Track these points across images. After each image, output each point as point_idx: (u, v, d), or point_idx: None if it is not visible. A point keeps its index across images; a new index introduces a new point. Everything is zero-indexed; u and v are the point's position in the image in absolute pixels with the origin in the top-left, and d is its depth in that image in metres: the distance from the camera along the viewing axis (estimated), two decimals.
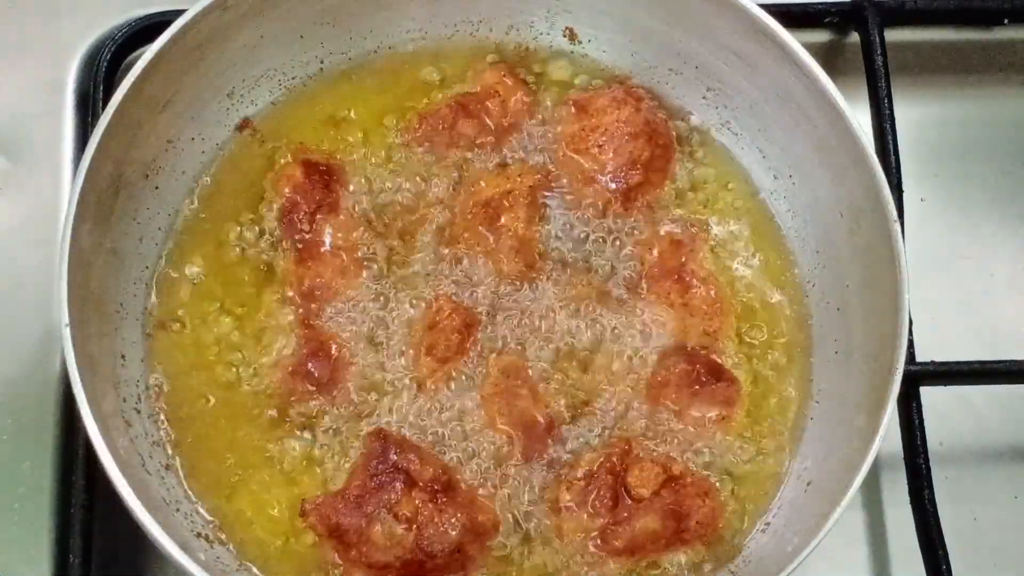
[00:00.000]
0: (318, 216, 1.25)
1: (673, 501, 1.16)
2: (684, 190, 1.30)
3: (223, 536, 1.16)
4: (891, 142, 1.36)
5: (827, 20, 1.44)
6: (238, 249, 1.25)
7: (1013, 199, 1.48)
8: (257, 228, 1.26)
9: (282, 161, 1.28)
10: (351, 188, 1.27)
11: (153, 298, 1.23)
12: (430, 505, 1.13)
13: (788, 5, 1.39)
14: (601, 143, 1.28)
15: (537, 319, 1.24)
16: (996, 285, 1.45)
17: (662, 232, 1.28)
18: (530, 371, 1.22)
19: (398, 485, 1.14)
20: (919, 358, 1.29)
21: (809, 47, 1.21)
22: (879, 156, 1.22)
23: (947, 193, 1.48)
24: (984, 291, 1.44)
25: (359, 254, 1.25)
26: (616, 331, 1.24)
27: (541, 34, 1.34)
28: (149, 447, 1.17)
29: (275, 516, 1.17)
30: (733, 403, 1.22)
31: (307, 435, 1.19)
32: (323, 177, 1.26)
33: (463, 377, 1.22)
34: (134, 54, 1.35)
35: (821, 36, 1.46)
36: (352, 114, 1.31)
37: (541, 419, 1.20)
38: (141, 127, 1.20)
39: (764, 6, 1.23)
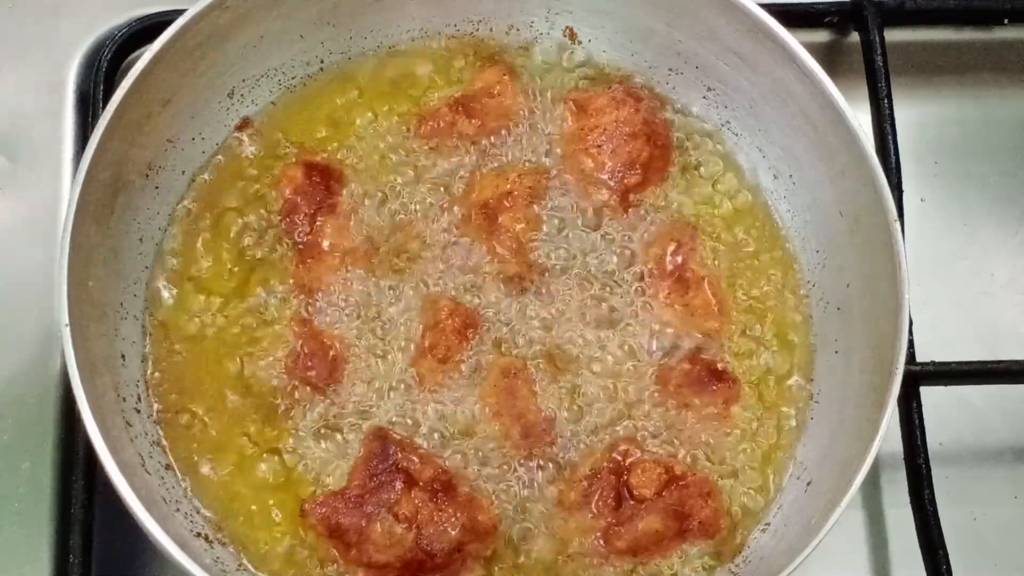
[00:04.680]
0: (318, 217, 1.25)
1: (675, 501, 1.17)
2: (683, 190, 1.30)
3: (223, 536, 1.16)
4: (891, 142, 1.36)
5: (827, 20, 1.44)
6: (238, 249, 1.25)
7: (1013, 199, 1.48)
8: (257, 228, 1.26)
9: (283, 161, 1.28)
10: (351, 189, 1.27)
11: (153, 298, 1.23)
12: (430, 504, 1.13)
13: (788, 5, 1.39)
14: (600, 143, 1.28)
15: (537, 319, 1.24)
16: (996, 285, 1.45)
17: (661, 232, 1.28)
18: (530, 371, 1.22)
19: (398, 485, 1.14)
20: (919, 358, 1.29)
21: (809, 47, 1.21)
22: (879, 156, 1.22)
23: (947, 193, 1.48)
24: (984, 291, 1.44)
25: (359, 254, 1.25)
26: (616, 332, 1.24)
27: (541, 34, 1.34)
28: (149, 447, 1.17)
29: (275, 516, 1.17)
30: (733, 403, 1.22)
31: (307, 434, 1.19)
32: (324, 178, 1.26)
33: (463, 377, 1.22)
34: (134, 54, 1.35)
35: (821, 36, 1.46)
36: (352, 114, 1.31)
37: (541, 419, 1.20)
38: (141, 127, 1.20)
39: (764, 6, 1.23)
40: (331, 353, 1.21)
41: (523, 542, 1.17)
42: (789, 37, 1.21)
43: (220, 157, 1.28)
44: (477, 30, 1.34)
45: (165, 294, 1.23)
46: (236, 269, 1.24)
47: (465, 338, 1.22)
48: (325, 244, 1.25)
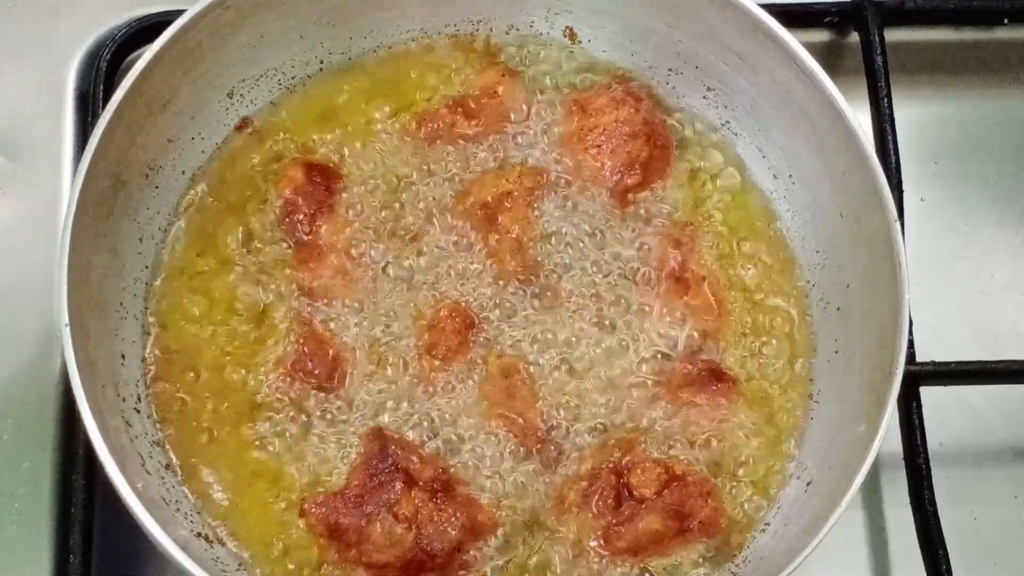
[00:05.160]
0: (318, 217, 1.25)
1: (675, 501, 1.17)
2: (683, 190, 1.30)
3: (223, 536, 1.16)
4: (891, 142, 1.36)
5: (827, 20, 1.44)
6: (238, 249, 1.25)
7: (1013, 199, 1.48)
8: (257, 228, 1.26)
9: (282, 161, 1.28)
10: (351, 189, 1.27)
11: (153, 298, 1.23)
12: (430, 504, 1.13)
13: (788, 5, 1.39)
14: (600, 143, 1.28)
15: (536, 319, 1.24)
16: (996, 285, 1.45)
17: (661, 232, 1.28)
18: (530, 371, 1.22)
19: (398, 484, 1.14)
20: (919, 358, 1.29)
21: (809, 47, 1.21)
22: (879, 156, 1.22)
23: (947, 193, 1.48)
24: (984, 291, 1.44)
25: (359, 255, 1.25)
26: (615, 332, 1.24)
27: (541, 34, 1.34)
28: (149, 447, 1.17)
29: (275, 516, 1.17)
30: (733, 403, 1.22)
31: (307, 434, 1.19)
32: (324, 178, 1.26)
33: (463, 377, 1.22)
34: (134, 54, 1.35)
35: (821, 36, 1.46)
36: (352, 114, 1.31)
37: (541, 419, 1.20)
38: (141, 127, 1.20)
39: (764, 6, 1.23)
40: (331, 353, 1.21)
41: (523, 542, 1.17)
42: (789, 37, 1.21)
43: (220, 157, 1.28)
44: (477, 30, 1.34)
45: (165, 294, 1.23)
46: (236, 269, 1.24)
47: (465, 338, 1.22)
48: (325, 244, 1.25)
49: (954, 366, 1.30)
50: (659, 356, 1.24)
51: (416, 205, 1.27)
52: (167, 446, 1.19)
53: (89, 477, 1.20)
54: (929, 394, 1.29)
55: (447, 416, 1.20)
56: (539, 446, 1.20)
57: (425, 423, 1.20)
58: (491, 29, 1.34)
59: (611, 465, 1.18)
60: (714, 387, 1.22)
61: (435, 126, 1.29)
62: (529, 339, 1.23)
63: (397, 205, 1.27)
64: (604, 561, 1.17)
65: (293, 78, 1.31)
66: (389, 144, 1.30)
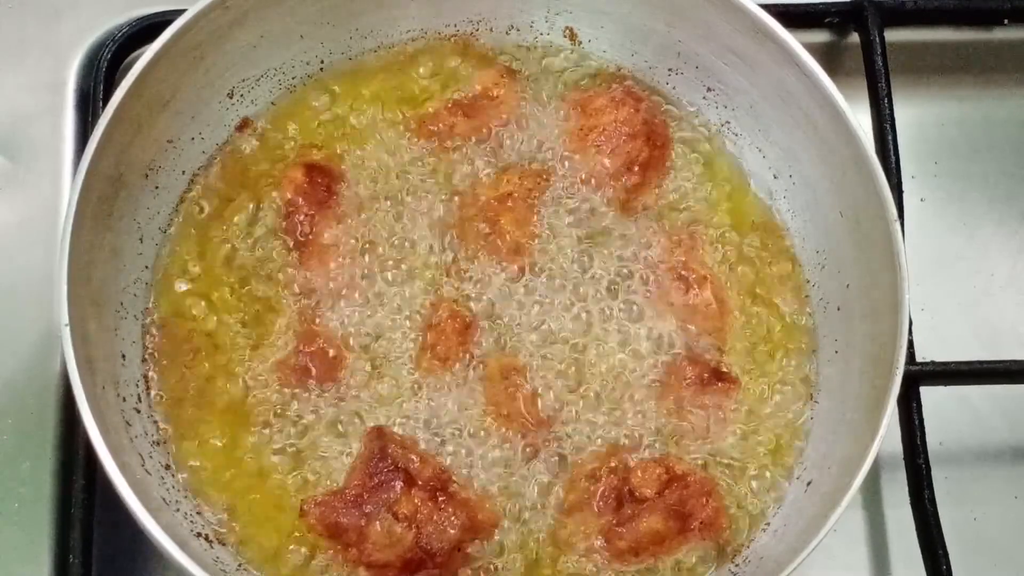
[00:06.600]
0: (319, 217, 1.25)
1: (676, 501, 1.17)
2: (683, 190, 1.30)
3: (223, 536, 1.16)
4: (891, 142, 1.36)
5: (827, 20, 1.44)
6: (238, 249, 1.25)
7: (1013, 199, 1.48)
8: (258, 229, 1.26)
9: (283, 162, 1.28)
10: (351, 189, 1.27)
11: (153, 298, 1.23)
12: (430, 504, 1.13)
13: (788, 5, 1.39)
14: (599, 143, 1.28)
15: (536, 320, 1.24)
16: (996, 285, 1.45)
17: (661, 232, 1.28)
18: (530, 372, 1.22)
19: (397, 484, 1.14)
20: (919, 358, 1.29)
21: (809, 47, 1.21)
22: (879, 156, 1.23)
23: (947, 193, 1.48)
24: (984, 291, 1.44)
25: (359, 255, 1.25)
26: (616, 332, 1.24)
27: (541, 34, 1.35)
28: (149, 447, 1.17)
29: (274, 515, 1.17)
30: (734, 403, 1.22)
31: (307, 434, 1.19)
32: (324, 179, 1.26)
33: (463, 377, 1.22)
34: (134, 54, 1.35)
35: (821, 36, 1.46)
36: (352, 115, 1.31)
37: (541, 419, 1.20)
38: (141, 127, 1.20)
39: (764, 6, 1.23)
40: (331, 352, 1.21)
41: (523, 542, 1.17)
42: (789, 37, 1.21)
43: (220, 157, 1.28)
44: (477, 30, 1.34)
45: (165, 294, 1.23)
46: (236, 269, 1.24)
47: (465, 338, 1.22)
48: (325, 244, 1.25)
49: (954, 366, 1.30)
50: (660, 356, 1.24)
51: (416, 206, 1.27)
52: (167, 446, 1.19)
53: (89, 477, 1.20)
54: (929, 394, 1.29)
55: (447, 416, 1.20)
56: (539, 446, 1.20)
57: (425, 423, 1.20)
58: (491, 29, 1.34)
59: (612, 465, 1.18)
60: (715, 387, 1.22)
61: (435, 127, 1.29)
62: (529, 339, 1.23)
63: (397, 206, 1.27)
64: (605, 561, 1.17)
65: (293, 78, 1.31)
66: (389, 145, 1.30)
